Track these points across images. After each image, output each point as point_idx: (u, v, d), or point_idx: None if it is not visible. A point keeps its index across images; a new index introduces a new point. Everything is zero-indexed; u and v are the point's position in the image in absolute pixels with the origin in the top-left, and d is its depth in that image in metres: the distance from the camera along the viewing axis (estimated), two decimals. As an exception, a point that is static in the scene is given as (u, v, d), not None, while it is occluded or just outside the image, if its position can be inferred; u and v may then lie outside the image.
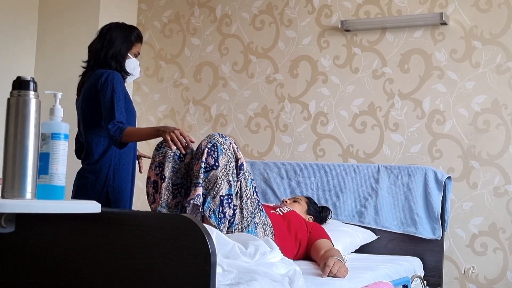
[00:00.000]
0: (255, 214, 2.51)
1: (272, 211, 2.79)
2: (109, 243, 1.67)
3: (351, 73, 3.68)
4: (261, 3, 3.97)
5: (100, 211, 1.57)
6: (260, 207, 2.56)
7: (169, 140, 2.51)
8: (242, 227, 2.46)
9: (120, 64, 2.87)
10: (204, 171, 2.40)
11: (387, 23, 3.57)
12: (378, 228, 3.36)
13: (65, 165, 1.57)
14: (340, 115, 3.68)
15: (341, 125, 3.68)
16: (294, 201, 3.12)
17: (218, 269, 1.89)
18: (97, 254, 1.68)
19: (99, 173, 2.82)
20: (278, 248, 2.20)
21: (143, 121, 4.24)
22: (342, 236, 3.10)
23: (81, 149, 2.97)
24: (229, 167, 2.43)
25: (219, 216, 2.38)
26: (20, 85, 1.47)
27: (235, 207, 2.45)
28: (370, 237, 3.31)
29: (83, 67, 2.93)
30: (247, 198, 2.49)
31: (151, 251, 1.58)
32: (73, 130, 2.92)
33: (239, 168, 2.46)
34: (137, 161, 3.07)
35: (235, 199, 2.45)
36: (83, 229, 1.73)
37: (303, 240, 2.75)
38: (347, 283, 2.27)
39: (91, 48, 2.91)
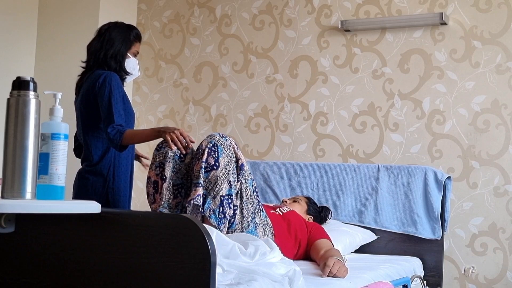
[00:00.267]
0: (255, 214, 2.51)
1: (272, 211, 2.79)
2: (109, 243, 1.67)
3: (351, 73, 3.68)
4: (261, 3, 3.97)
5: (100, 211, 1.57)
6: (260, 207, 2.56)
7: (169, 140, 2.51)
8: (242, 227, 2.46)
9: (119, 64, 2.86)
10: (204, 171, 2.40)
11: (387, 23, 3.57)
12: (378, 228, 3.36)
13: (65, 165, 1.57)
14: (340, 115, 3.68)
15: (341, 125, 3.68)
16: (294, 201, 3.12)
17: (218, 269, 1.89)
18: (97, 254, 1.68)
19: (99, 174, 2.82)
20: (278, 248, 2.20)
21: (143, 121, 4.24)
22: (342, 236, 3.10)
23: (80, 148, 2.97)
24: (230, 167, 2.43)
25: (219, 216, 2.38)
26: (20, 85, 1.46)
27: (235, 207, 2.45)
28: (370, 237, 3.31)
29: (82, 67, 2.93)
30: (247, 198, 2.49)
31: (151, 251, 1.58)
32: (72, 130, 2.93)
33: (239, 168, 2.46)
34: (136, 161, 3.07)
35: (235, 199, 2.45)
36: (83, 229, 1.73)
37: (303, 240, 2.75)
38: (347, 283, 2.27)
39: (90, 48, 2.91)
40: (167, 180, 2.50)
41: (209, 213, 2.38)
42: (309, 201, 3.18)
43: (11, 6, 4.03)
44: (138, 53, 2.98)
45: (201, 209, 2.38)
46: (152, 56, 4.28)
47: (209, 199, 2.39)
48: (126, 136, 2.63)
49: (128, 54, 2.90)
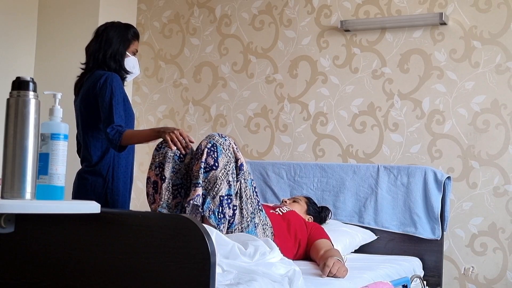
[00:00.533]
0: (254, 214, 2.51)
1: (271, 211, 2.79)
2: (109, 243, 1.67)
3: (350, 73, 3.68)
4: (261, 3, 3.97)
5: (99, 211, 1.57)
6: (259, 207, 2.56)
7: (169, 140, 2.51)
8: (241, 227, 2.46)
9: (119, 63, 2.86)
10: (203, 171, 2.40)
11: (386, 23, 3.57)
12: (377, 228, 3.36)
13: (64, 165, 1.57)
14: (340, 115, 3.68)
15: (340, 125, 3.68)
16: (294, 201, 3.12)
17: (218, 269, 1.89)
18: (97, 254, 1.68)
19: (99, 175, 2.82)
20: (278, 248, 2.20)
21: (142, 121, 4.24)
22: (342, 236, 3.10)
23: None
24: (229, 167, 2.43)
25: (219, 216, 2.38)
26: (20, 85, 1.47)
27: (235, 207, 2.45)
28: (370, 237, 3.31)
29: (82, 69, 2.92)
30: (247, 198, 2.49)
31: (150, 251, 1.59)
32: (72, 131, 2.92)
33: (238, 168, 2.46)
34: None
35: (234, 199, 2.45)
36: (82, 229, 1.73)
37: (303, 240, 2.75)
38: (346, 283, 2.28)
39: (89, 49, 2.90)
40: (166, 180, 2.50)
41: (209, 213, 2.38)
42: (309, 201, 3.18)
43: (11, 6, 4.03)
44: (137, 51, 2.97)
45: (201, 209, 2.38)
46: (151, 56, 4.28)
47: (208, 199, 2.39)
48: (125, 137, 2.63)
49: (127, 53, 2.89)
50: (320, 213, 3.19)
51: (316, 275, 2.32)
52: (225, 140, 2.46)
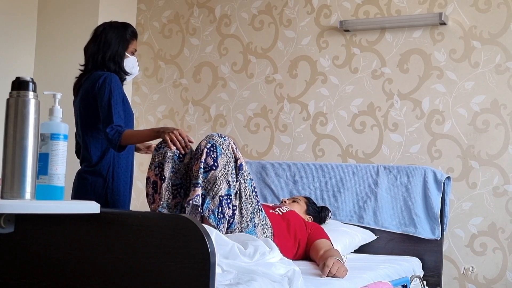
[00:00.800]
0: (254, 214, 2.51)
1: (271, 211, 2.79)
2: (109, 243, 1.67)
3: (350, 73, 3.68)
4: (260, 3, 3.97)
5: (99, 211, 1.57)
6: (259, 207, 2.56)
7: (168, 140, 2.51)
8: (241, 227, 2.46)
9: (118, 65, 2.86)
10: (203, 172, 2.40)
11: (386, 23, 3.57)
12: (377, 228, 3.36)
13: (64, 165, 1.57)
14: (340, 115, 3.68)
15: (340, 125, 3.68)
16: (294, 201, 3.12)
17: (218, 270, 1.89)
18: (97, 254, 1.68)
19: (98, 175, 2.82)
20: (278, 248, 2.20)
21: (142, 121, 4.24)
22: (342, 236, 3.10)
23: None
24: (228, 167, 2.43)
25: (218, 216, 2.38)
26: (20, 85, 1.47)
27: (235, 207, 2.45)
28: (370, 237, 3.31)
29: (80, 70, 2.92)
30: (247, 198, 2.49)
31: (150, 252, 1.59)
32: (71, 131, 2.92)
33: (238, 168, 2.46)
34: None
35: (234, 199, 2.45)
36: (82, 229, 1.73)
37: (302, 240, 2.75)
38: (346, 283, 2.28)
39: (87, 50, 2.90)
40: (166, 180, 2.50)
41: (208, 213, 2.38)
42: (309, 201, 3.19)
43: (10, 6, 4.03)
44: (136, 50, 2.97)
45: (200, 209, 2.38)
46: (151, 56, 4.28)
47: (208, 199, 2.39)
48: (124, 136, 2.63)
49: (126, 53, 2.89)
50: (319, 213, 3.19)
51: (316, 275, 2.32)
52: (225, 140, 2.46)
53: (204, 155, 2.41)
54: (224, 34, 4.06)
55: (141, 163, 4.13)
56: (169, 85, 4.21)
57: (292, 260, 2.40)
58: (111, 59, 2.83)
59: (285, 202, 3.12)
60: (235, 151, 2.47)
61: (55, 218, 1.73)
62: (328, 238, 2.79)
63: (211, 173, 2.39)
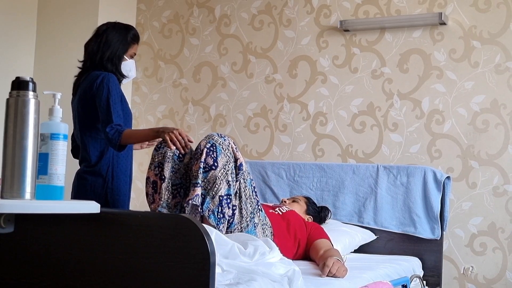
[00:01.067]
0: (254, 214, 2.51)
1: (271, 211, 2.79)
2: (109, 243, 1.67)
3: (350, 73, 3.68)
4: (260, 3, 3.97)
5: (99, 211, 1.57)
6: (259, 207, 2.56)
7: (168, 140, 2.51)
8: (241, 227, 2.46)
9: (116, 67, 2.85)
10: (203, 171, 2.40)
11: (386, 23, 3.57)
12: (377, 228, 3.36)
13: (64, 165, 1.57)
14: (339, 115, 3.68)
15: (340, 125, 3.68)
16: (293, 201, 3.12)
17: (217, 269, 1.89)
18: (97, 254, 1.68)
19: (98, 175, 2.81)
20: (277, 248, 2.20)
21: (142, 121, 4.24)
22: (341, 236, 3.10)
23: (77, 149, 2.96)
24: (228, 167, 2.43)
25: (218, 216, 2.38)
26: (19, 85, 1.46)
27: (234, 207, 2.45)
28: (369, 237, 3.31)
29: (79, 67, 2.92)
30: (246, 198, 2.49)
31: (150, 251, 1.59)
32: (70, 131, 2.92)
33: (238, 168, 2.46)
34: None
35: (234, 199, 2.45)
36: (82, 229, 1.73)
37: (302, 240, 2.75)
38: (346, 283, 2.28)
39: (87, 47, 2.90)
40: (166, 180, 2.50)
41: (208, 213, 2.38)
42: (309, 201, 3.19)
43: (10, 6, 4.03)
44: (135, 54, 2.97)
45: (200, 209, 2.38)
46: (151, 56, 4.28)
47: (208, 199, 2.39)
48: (124, 136, 2.63)
49: (125, 56, 2.89)
50: (319, 213, 3.19)
51: (316, 275, 2.32)
52: (225, 140, 2.46)
53: (204, 155, 2.41)
54: (224, 34, 4.06)
55: (141, 163, 4.13)
56: (169, 85, 4.21)
57: (292, 260, 2.40)
58: (109, 60, 2.83)
59: (285, 202, 3.12)
60: (235, 151, 2.47)
61: (55, 218, 1.73)
62: (328, 238, 2.79)
63: (211, 173, 2.39)
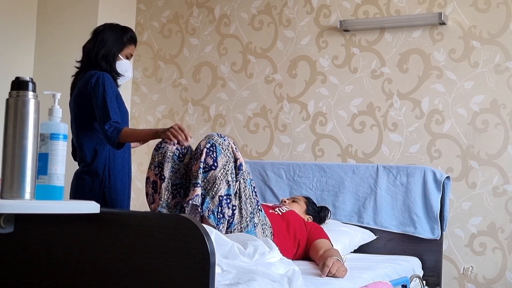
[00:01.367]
0: (254, 214, 2.51)
1: (271, 211, 2.79)
2: (108, 243, 1.67)
3: (349, 73, 3.68)
4: (260, 3, 3.97)
5: (99, 211, 1.57)
6: (259, 207, 2.56)
7: (170, 135, 2.51)
8: (241, 227, 2.47)
9: (110, 64, 2.86)
10: (203, 171, 2.40)
11: (385, 23, 3.57)
12: (377, 228, 3.36)
13: (64, 165, 1.57)
14: (339, 115, 3.68)
15: (340, 125, 3.68)
16: (293, 201, 3.12)
17: (217, 269, 1.89)
18: (96, 254, 1.68)
19: (95, 174, 2.82)
20: (277, 248, 2.20)
21: (142, 121, 4.24)
22: (341, 236, 3.10)
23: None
24: (228, 167, 2.43)
25: (218, 216, 2.38)
26: (19, 85, 1.46)
27: (234, 207, 2.45)
28: (369, 237, 3.31)
29: (77, 67, 2.93)
30: (246, 198, 2.49)
31: (150, 251, 1.59)
32: (70, 131, 2.92)
33: (238, 168, 2.46)
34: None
35: (234, 199, 2.45)
36: (82, 229, 1.73)
37: (302, 240, 2.75)
38: (346, 283, 2.28)
39: (85, 48, 2.92)
40: (165, 180, 2.50)
41: (208, 213, 2.38)
42: (308, 201, 3.19)
43: (10, 6, 4.03)
44: (131, 55, 2.97)
45: (200, 209, 2.38)
46: (151, 56, 4.28)
47: (207, 199, 2.39)
48: (123, 134, 2.63)
49: (120, 55, 2.90)
50: (319, 213, 3.19)
51: (316, 275, 2.32)
52: (224, 140, 2.46)
53: (204, 155, 2.41)
54: (223, 34, 4.06)
55: (141, 163, 4.13)
56: (168, 85, 4.21)
57: (292, 260, 2.40)
58: (103, 58, 2.84)
59: (284, 202, 3.12)
60: (235, 151, 2.47)
61: (55, 218, 1.73)
62: (327, 238, 2.79)
63: (210, 173, 2.39)
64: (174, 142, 2.52)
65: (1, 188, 1.44)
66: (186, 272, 1.52)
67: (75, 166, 2.94)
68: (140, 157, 4.09)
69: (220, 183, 2.39)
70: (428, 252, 3.26)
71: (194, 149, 2.55)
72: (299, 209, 3.06)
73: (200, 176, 2.39)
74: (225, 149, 2.44)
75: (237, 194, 2.47)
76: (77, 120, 2.84)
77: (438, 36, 3.48)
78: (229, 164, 2.43)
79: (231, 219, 2.44)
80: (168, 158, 2.52)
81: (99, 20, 3.90)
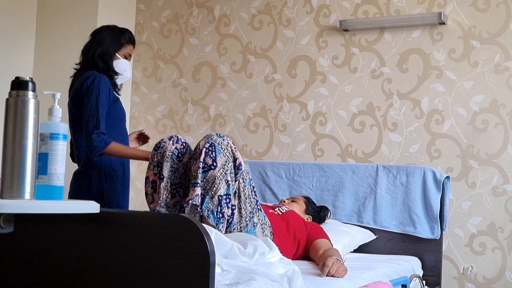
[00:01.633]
0: (253, 213, 2.51)
1: (270, 211, 2.79)
2: (108, 243, 1.67)
3: (349, 73, 3.68)
4: (260, 3, 3.97)
5: (99, 211, 1.57)
6: (258, 207, 2.56)
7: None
8: (240, 227, 2.47)
9: (106, 63, 2.87)
10: (202, 171, 2.40)
11: (385, 22, 3.57)
12: (377, 227, 3.36)
13: (64, 165, 1.57)
14: (339, 115, 3.68)
15: (339, 125, 3.68)
16: (293, 201, 3.12)
17: (217, 269, 1.89)
18: (96, 254, 1.68)
19: (92, 174, 2.82)
20: (277, 248, 2.20)
21: (141, 121, 4.24)
22: (341, 235, 3.10)
23: None
24: (227, 167, 2.42)
25: (218, 216, 2.38)
26: (19, 85, 1.46)
27: (234, 207, 2.45)
28: (369, 236, 3.31)
29: (75, 69, 2.93)
30: (246, 198, 2.49)
31: (150, 251, 1.59)
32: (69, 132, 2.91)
33: (237, 168, 2.46)
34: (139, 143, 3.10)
35: (233, 199, 2.45)
36: (82, 229, 1.73)
37: (302, 239, 2.75)
38: (346, 283, 2.28)
39: (83, 50, 2.93)
40: (165, 180, 2.50)
41: (208, 213, 2.38)
42: (308, 200, 3.19)
43: (9, 5, 4.03)
44: (130, 55, 2.98)
45: (199, 209, 2.38)
46: (150, 56, 4.28)
47: (207, 199, 2.39)
48: (110, 148, 2.67)
49: (117, 55, 2.90)
50: (319, 213, 3.19)
51: (316, 275, 2.32)
52: (223, 139, 2.46)
53: (203, 154, 2.41)
54: (223, 34, 4.06)
55: (140, 163, 4.13)
56: (168, 85, 4.21)
57: (292, 259, 2.40)
58: (100, 57, 2.85)
59: (284, 202, 3.12)
60: (234, 151, 2.47)
61: (55, 218, 1.73)
62: (327, 238, 2.79)
63: (210, 173, 2.39)
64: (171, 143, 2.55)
65: (1, 188, 1.44)
66: (186, 272, 1.52)
67: (74, 165, 2.94)
68: (140, 157, 4.08)
69: (219, 183, 2.39)
70: (428, 252, 3.26)
71: (193, 149, 2.55)
72: (299, 209, 3.06)
73: (200, 176, 2.39)
74: (224, 149, 2.43)
75: (237, 194, 2.47)
76: (75, 120, 2.84)
77: (438, 36, 3.48)
78: (228, 163, 2.43)
79: (231, 219, 2.44)
80: (167, 157, 2.52)
81: (99, 20, 3.90)
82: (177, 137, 2.58)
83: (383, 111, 3.58)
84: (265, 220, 2.59)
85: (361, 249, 3.26)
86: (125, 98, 4.15)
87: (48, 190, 1.53)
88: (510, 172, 3.28)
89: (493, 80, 3.35)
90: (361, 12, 3.67)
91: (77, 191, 2.85)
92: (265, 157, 3.86)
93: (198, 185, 2.39)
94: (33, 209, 1.43)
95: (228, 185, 2.42)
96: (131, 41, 2.96)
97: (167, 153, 2.53)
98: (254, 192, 2.55)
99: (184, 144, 2.57)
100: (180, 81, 4.17)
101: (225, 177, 2.41)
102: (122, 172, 2.92)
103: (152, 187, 2.54)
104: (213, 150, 2.41)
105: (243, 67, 3.98)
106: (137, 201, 4.15)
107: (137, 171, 4.12)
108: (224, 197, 2.40)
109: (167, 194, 2.51)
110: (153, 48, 4.28)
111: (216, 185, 2.38)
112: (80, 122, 2.81)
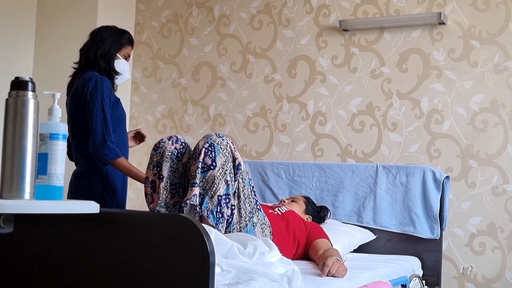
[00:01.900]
0: (253, 213, 2.51)
1: (270, 211, 2.79)
2: (108, 243, 1.67)
3: (349, 72, 3.68)
4: (259, 3, 3.97)
5: (99, 211, 1.57)
6: (258, 207, 2.56)
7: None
8: (240, 227, 2.46)
9: (108, 63, 2.88)
10: (201, 171, 2.39)
11: (385, 22, 3.57)
12: (376, 227, 3.36)
13: (63, 165, 1.57)
14: (339, 115, 3.68)
15: (339, 125, 3.68)
16: (293, 201, 3.12)
17: (217, 269, 1.89)
18: (96, 254, 1.68)
19: (92, 175, 2.82)
20: (277, 247, 2.20)
21: (141, 121, 4.24)
22: (341, 235, 3.10)
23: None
24: (227, 167, 2.42)
25: (217, 216, 2.38)
26: (19, 85, 1.46)
27: (233, 207, 2.45)
28: (369, 236, 3.32)
29: (74, 68, 2.94)
30: (245, 198, 2.49)
31: (149, 251, 1.59)
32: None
33: (236, 168, 2.46)
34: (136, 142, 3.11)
35: (233, 199, 2.45)
36: (82, 229, 1.73)
37: (302, 239, 2.75)
38: (346, 282, 2.28)
39: (82, 50, 2.93)
40: (164, 180, 2.50)
41: (207, 213, 2.38)
42: (308, 200, 3.19)
43: (9, 5, 4.03)
44: (129, 56, 2.99)
45: (199, 209, 2.38)
46: (150, 56, 4.28)
47: (206, 199, 2.38)
48: (117, 162, 2.71)
49: (118, 55, 2.91)
50: (319, 213, 3.19)
51: (315, 275, 2.32)
52: (223, 139, 2.46)
53: (202, 154, 2.40)
54: (223, 34, 4.06)
55: (140, 162, 4.13)
56: (168, 85, 4.21)
57: (292, 259, 2.40)
58: (102, 57, 2.86)
59: (284, 202, 3.12)
60: (233, 151, 2.47)
61: (55, 218, 1.73)
62: (327, 238, 2.79)
63: (209, 173, 2.39)
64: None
65: (0, 188, 1.44)
66: (186, 272, 1.52)
67: (73, 165, 2.94)
68: (139, 157, 4.09)
69: (219, 183, 2.39)
70: (428, 252, 3.26)
71: (192, 149, 2.55)
72: (299, 209, 3.06)
73: (199, 176, 2.39)
74: (224, 149, 2.43)
75: (236, 194, 2.47)
76: (74, 120, 2.84)
77: (438, 36, 3.48)
78: (227, 163, 2.43)
79: (230, 219, 2.44)
80: (167, 157, 2.52)
81: (99, 19, 3.90)
82: (177, 137, 2.58)
83: (383, 111, 3.58)
84: (264, 220, 2.59)
85: (361, 249, 3.26)
86: (125, 98, 4.15)
87: (47, 190, 1.53)
88: (510, 172, 3.29)
89: (493, 80, 3.35)
90: (360, 12, 3.67)
91: (77, 191, 2.84)
92: (265, 157, 3.86)
93: (197, 185, 2.38)
94: (33, 209, 1.43)
95: (228, 185, 2.42)
96: (130, 42, 2.98)
97: (167, 153, 2.52)
98: (254, 192, 2.55)
99: (183, 144, 2.57)
100: (180, 81, 4.17)
101: (225, 177, 2.41)
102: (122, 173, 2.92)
103: (151, 187, 2.54)
104: (213, 150, 2.41)
105: (243, 67, 3.98)
106: (136, 201, 4.15)
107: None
108: (224, 197, 2.40)
109: (166, 194, 2.51)
110: (152, 48, 4.28)
111: (215, 185, 2.38)
112: (80, 123, 2.81)
